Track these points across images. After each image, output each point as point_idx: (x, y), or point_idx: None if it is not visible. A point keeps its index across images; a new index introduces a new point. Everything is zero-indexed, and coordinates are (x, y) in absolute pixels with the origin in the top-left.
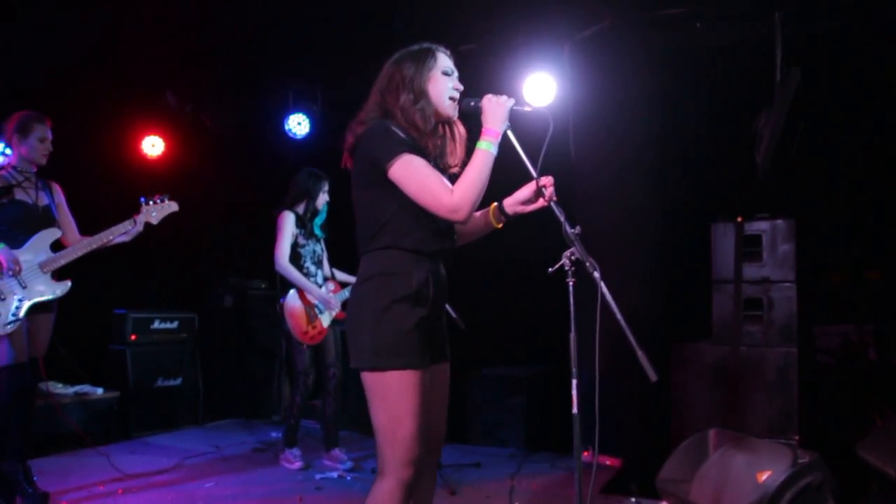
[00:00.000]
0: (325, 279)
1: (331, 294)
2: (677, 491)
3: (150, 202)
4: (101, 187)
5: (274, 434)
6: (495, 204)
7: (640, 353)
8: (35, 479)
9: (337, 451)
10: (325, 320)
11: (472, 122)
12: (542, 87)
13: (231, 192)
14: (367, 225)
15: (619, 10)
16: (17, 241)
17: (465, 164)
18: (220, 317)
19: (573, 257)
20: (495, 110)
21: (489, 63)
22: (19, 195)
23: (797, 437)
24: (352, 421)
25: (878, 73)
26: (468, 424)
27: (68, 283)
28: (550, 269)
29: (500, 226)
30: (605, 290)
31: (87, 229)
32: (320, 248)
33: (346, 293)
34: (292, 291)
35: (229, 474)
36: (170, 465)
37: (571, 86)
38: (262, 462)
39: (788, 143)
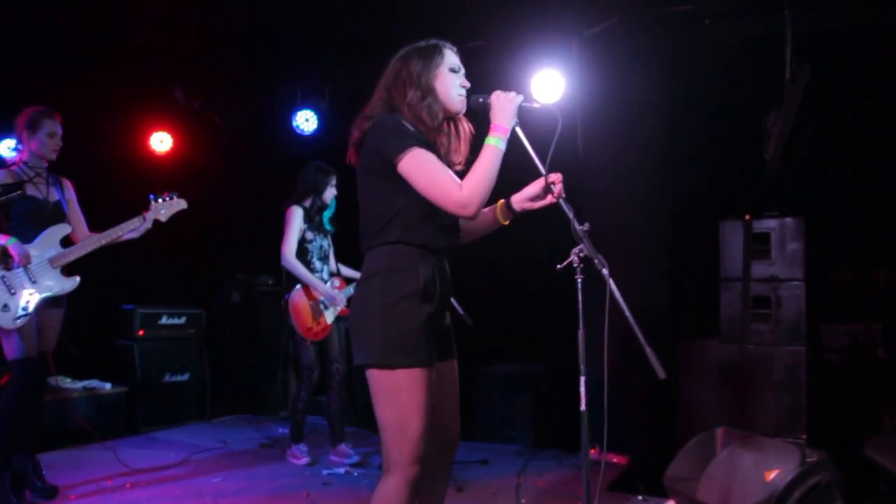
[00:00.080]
0: (331, 275)
1: (336, 290)
2: (685, 489)
3: (159, 199)
4: (110, 183)
5: (281, 430)
6: (503, 200)
7: (648, 351)
8: (44, 472)
9: (343, 447)
10: (330, 317)
11: (481, 119)
12: (550, 83)
13: (239, 188)
14: (374, 220)
15: (628, 6)
16: (27, 237)
17: (469, 161)
18: (227, 313)
19: (582, 254)
20: (504, 106)
21: (497, 60)
22: (30, 190)
23: (805, 436)
24: (358, 417)
25: (889, 71)
26: (475, 421)
27: (77, 279)
28: (559, 266)
29: (507, 222)
30: (613, 287)
31: (95, 225)
32: (327, 244)
33: (350, 290)
34: (297, 287)
35: (236, 469)
36: (177, 461)
37: (580, 83)
38: (269, 458)
39: (798, 140)
